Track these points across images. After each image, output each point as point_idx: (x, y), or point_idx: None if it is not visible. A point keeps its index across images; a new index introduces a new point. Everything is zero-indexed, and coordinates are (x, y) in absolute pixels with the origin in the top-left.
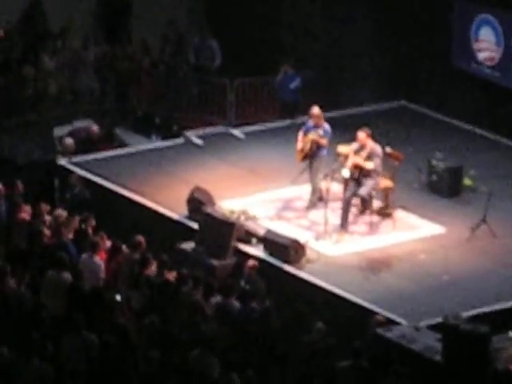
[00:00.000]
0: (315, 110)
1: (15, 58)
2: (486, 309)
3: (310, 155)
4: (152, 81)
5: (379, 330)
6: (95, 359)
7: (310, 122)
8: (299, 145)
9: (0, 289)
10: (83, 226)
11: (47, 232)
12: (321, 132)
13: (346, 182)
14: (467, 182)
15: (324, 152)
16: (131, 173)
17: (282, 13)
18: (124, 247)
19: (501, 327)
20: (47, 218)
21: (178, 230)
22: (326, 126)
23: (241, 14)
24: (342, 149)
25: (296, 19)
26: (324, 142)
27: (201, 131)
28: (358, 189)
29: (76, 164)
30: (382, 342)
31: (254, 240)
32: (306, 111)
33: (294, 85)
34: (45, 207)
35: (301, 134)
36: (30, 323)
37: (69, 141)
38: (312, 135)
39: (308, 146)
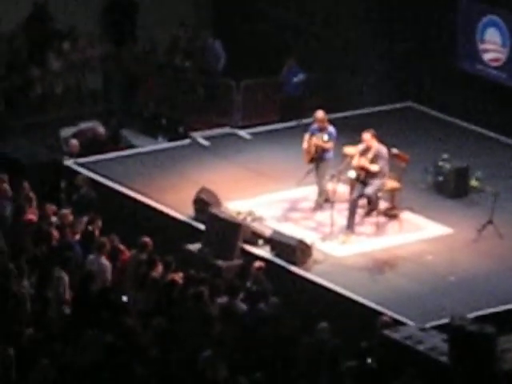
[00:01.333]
0: (319, 113)
1: (22, 58)
2: (493, 309)
3: (316, 159)
4: (159, 82)
5: (386, 331)
6: (102, 360)
7: (315, 125)
8: (305, 144)
9: (7, 289)
10: (90, 227)
11: (55, 233)
12: (325, 136)
13: (352, 183)
14: (474, 182)
15: (330, 155)
16: (137, 174)
17: (287, 14)
18: (122, 247)
19: (507, 328)
20: (54, 219)
21: (184, 231)
22: (331, 128)
23: (247, 15)
24: (349, 150)
25: (301, 21)
26: (328, 145)
27: (207, 132)
28: (364, 190)
29: (82, 165)
30: (389, 342)
31: (260, 241)
32: (312, 111)
33: (297, 79)
34: (51, 208)
35: (307, 136)
36: (38, 323)
37: (74, 142)
38: (316, 140)
39: (313, 150)
